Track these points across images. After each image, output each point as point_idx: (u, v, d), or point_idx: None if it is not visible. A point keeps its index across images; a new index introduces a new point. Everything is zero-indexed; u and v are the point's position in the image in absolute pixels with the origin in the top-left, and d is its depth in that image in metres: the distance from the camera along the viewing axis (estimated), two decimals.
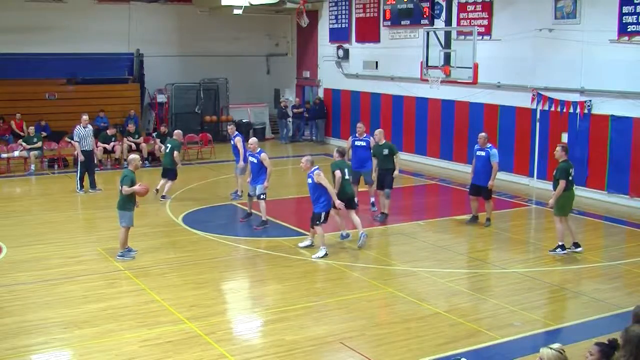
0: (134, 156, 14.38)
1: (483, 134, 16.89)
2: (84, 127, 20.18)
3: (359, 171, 17.82)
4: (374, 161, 17.09)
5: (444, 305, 11.60)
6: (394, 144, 17.73)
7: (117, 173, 23.31)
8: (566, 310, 11.73)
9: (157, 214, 17.88)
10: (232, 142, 19.26)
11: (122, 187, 13.74)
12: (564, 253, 14.24)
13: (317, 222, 14.29)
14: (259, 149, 16.34)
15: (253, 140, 16.60)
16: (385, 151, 16.77)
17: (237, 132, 19.73)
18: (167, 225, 16.77)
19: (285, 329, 10.55)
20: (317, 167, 14.47)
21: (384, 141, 17.08)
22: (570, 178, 14.22)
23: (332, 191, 14.29)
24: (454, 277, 13.12)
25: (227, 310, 11.70)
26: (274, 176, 17.42)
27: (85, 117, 20.46)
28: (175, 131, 20.40)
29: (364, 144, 17.72)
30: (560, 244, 14.31)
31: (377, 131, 17.25)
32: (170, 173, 19.20)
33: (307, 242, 14.87)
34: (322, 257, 14.08)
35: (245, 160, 17.83)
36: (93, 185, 20.45)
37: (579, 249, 14.40)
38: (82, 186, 20.23)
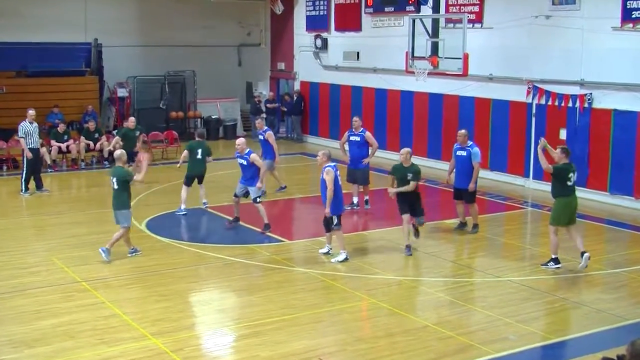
0: (121, 152, 14.62)
1: (463, 130, 16.79)
2: (29, 123, 20.03)
3: (354, 170, 18.00)
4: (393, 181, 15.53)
5: (433, 318, 11.59)
6: (419, 167, 15.68)
7: (74, 175, 23.43)
8: (566, 322, 11.77)
9: None
10: (263, 137, 19.25)
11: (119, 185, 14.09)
12: (558, 267, 13.95)
13: (333, 226, 14.31)
14: (247, 150, 16.36)
15: (241, 140, 16.54)
16: (410, 176, 15.00)
17: (267, 127, 20.00)
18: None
19: (260, 345, 10.49)
20: (333, 164, 14.33)
21: (410, 163, 15.25)
22: (570, 183, 13.81)
23: (330, 196, 14.13)
24: (443, 287, 13.12)
25: (196, 324, 11.62)
26: None
27: (31, 111, 20.29)
28: (199, 130, 20.71)
29: (358, 139, 18.04)
30: (553, 257, 14.03)
31: (404, 151, 15.35)
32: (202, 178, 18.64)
33: (325, 249, 14.85)
34: (342, 261, 14.22)
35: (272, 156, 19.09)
36: (39, 186, 20.37)
37: (586, 254, 13.78)
38: (27, 188, 20.11)
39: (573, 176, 13.85)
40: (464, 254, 15.45)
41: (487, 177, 21.57)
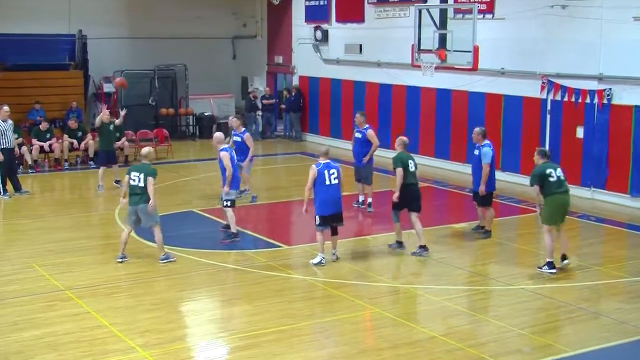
0: (149, 149, 15.08)
1: (477, 128, 16.79)
2: (3, 121, 20.04)
3: (357, 167, 18.60)
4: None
5: (440, 328, 11.58)
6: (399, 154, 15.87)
7: (56, 176, 23.41)
8: (583, 333, 11.73)
9: (103, 223, 17.76)
10: (241, 139, 18.97)
11: (146, 182, 14.33)
12: (553, 272, 14.01)
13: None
14: (243, 129, 17.50)
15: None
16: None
17: (245, 129, 19.64)
18: (116, 236, 16.63)
19: (256, 357, 10.47)
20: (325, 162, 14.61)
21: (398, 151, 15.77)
22: (552, 179, 14.07)
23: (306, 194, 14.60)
24: (451, 295, 13.11)
25: (187, 335, 11.62)
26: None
27: (5, 108, 20.23)
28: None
29: (360, 135, 18.50)
30: (548, 260, 14.11)
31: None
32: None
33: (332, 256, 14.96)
34: (316, 263, 14.51)
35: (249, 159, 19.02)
36: (17, 187, 20.41)
37: (566, 262, 14.30)
38: (5, 190, 20.10)
39: (554, 172, 14.14)
40: (474, 260, 15.43)
41: (498, 179, 21.50)
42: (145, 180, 14.42)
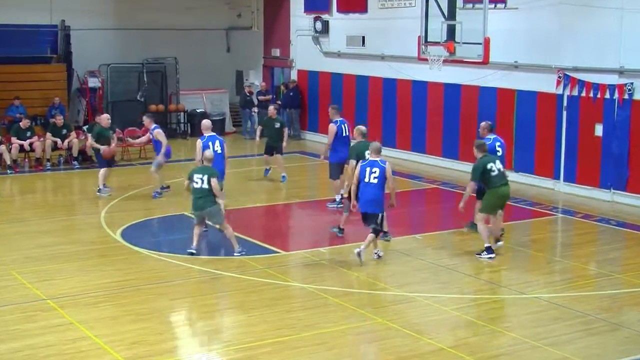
0: (211, 153, 16.14)
1: (483, 122, 17.33)
2: None
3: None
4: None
5: (449, 340, 11.57)
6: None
7: (38, 177, 23.39)
8: (604, 346, 11.69)
9: (88, 227, 17.74)
10: (152, 136, 20.45)
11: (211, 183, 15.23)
12: (492, 257, 15.26)
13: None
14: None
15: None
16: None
17: (155, 125, 20.76)
18: (102, 241, 16.66)
19: None
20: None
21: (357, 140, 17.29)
22: (493, 173, 15.16)
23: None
24: (460, 304, 13.12)
25: (178, 347, 11.60)
26: (235, 181, 17.40)
27: None
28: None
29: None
30: (487, 245, 15.32)
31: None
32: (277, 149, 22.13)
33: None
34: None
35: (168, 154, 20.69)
36: None
37: (500, 243, 15.83)
38: None
39: (494, 165, 15.25)
40: (484, 267, 15.41)
41: (511, 180, 21.56)
42: (209, 182, 15.16)
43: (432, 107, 25.19)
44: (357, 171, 15.12)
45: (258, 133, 23.24)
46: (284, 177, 22.18)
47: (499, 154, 16.43)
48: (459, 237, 17.04)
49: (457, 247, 16.42)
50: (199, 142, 17.32)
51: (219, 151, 17.23)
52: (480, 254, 15.33)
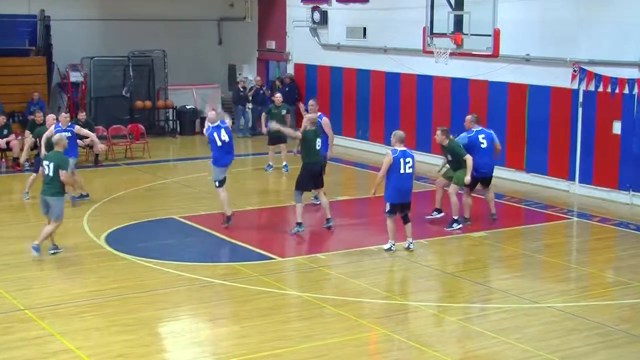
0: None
1: (469, 115, 18.54)
2: None
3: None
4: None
5: (456, 352, 11.59)
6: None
7: (15, 178, 23.35)
8: (621, 359, 11.74)
9: (70, 231, 17.72)
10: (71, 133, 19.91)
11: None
12: (459, 227, 17.29)
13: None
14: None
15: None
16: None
17: (72, 122, 20.70)
18: (85, 246, 16.65)
19: None
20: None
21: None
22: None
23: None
24: (469, 314, 13.14)
25: None
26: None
27: None
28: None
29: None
30: (455, 217, 17.36)
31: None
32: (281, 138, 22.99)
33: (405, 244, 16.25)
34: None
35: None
36: None
37: (440, 215, 18.05)
38: None
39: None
40: (494, 274, 15.43)
41: (523, 181, 21.63)
42: (55, 171, 15.04)
43: (438, 103, 25.18)
44: (388, 161, 15.70)
45: (264, 122, 23.49)
46: (285, 166, 23.50)
47: (483, 146, 17.80)
48: (468, 242, 17.08)
49: (466, 253, 16.44)
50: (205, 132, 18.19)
51: (227, 140, 17.82)
52: (450, 226, 17.40)
